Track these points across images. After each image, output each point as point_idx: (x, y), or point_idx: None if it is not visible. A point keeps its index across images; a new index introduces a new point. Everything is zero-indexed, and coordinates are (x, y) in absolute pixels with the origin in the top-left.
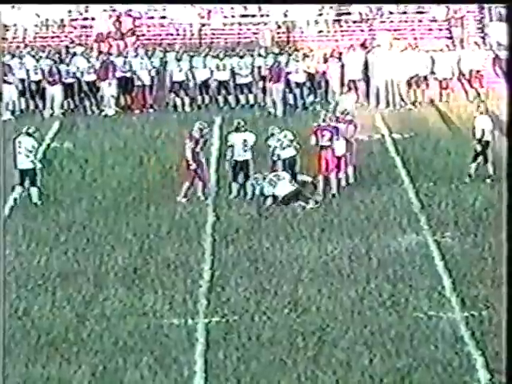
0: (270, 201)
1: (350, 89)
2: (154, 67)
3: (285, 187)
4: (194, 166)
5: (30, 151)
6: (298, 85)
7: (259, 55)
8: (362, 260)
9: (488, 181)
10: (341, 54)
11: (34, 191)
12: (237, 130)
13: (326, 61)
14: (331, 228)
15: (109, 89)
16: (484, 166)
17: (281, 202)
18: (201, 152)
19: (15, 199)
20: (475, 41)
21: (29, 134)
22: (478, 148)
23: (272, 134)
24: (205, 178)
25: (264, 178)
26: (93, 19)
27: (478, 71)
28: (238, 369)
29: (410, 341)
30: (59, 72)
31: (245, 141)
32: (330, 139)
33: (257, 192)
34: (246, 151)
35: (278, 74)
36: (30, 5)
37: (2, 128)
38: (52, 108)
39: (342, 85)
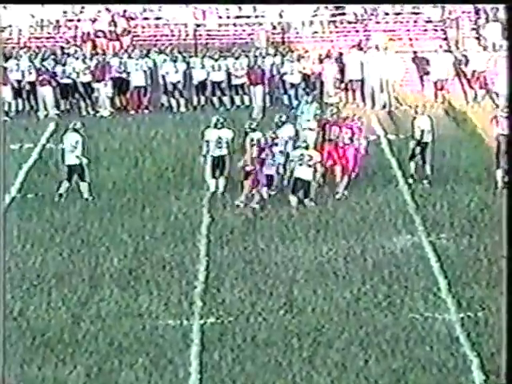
0: (288, 175)
1: (347, 90)
2: (149, 68)
3: (306, 172)
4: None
5: (75, 147)
6: (292, 86)
7: (254, 56)
8: (358, 261)
9: (425, 182)
10: (340, 54)
11: (83, 186)
12: (215, 126)
13: (321, 62)
14: (326, 229)
15: (104, 89)
16: (423, 167)
17: (294, 184)
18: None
19: (60, 194)
20: (479, 42)
21: (75, 130)
22: (411, 145)
23: (253, 130)
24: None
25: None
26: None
27: (480, 72)
28: (233, 370)
29: (405, 342)
30: (49, 72)
31: (219, 137)
32: (338, 136)
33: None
34: (220, 147)
35: (260, 77)
36: (26, 5)
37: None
38: (46, 109)
39: (337, 86)
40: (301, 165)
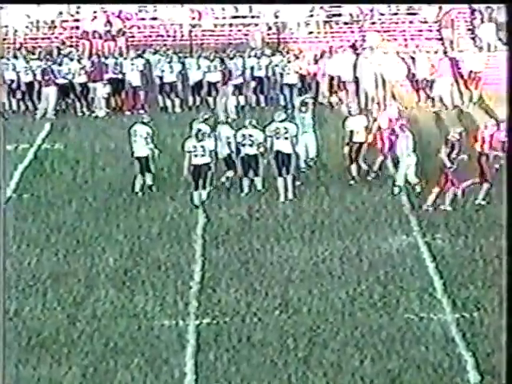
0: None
1: (340, 90)
2: (144, 68)
3: (285, 145)
4: (447, 170)
5: (146, 138)
6: (288, 86)
7: (249, 56)
8: (353, 261)
9: (352, 182)
10: (332, 55)
11: (148, 176)
12: (204, 120)
13: (316, 62)
14: (322, 229)
15: (100, 90)
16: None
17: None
18: (458, 157)
19: (140, 189)
20: (475, 43)
21: (143, 123)
22: (346, 150)
23: (242, 127)
24: (460, 185)
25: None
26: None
27: (475, 73)
28: (229, 370)
29: (400, 342)
30: (53, 72)
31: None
32: None
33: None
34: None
35: (228, 77)
36: (21, 6)
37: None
38: (46, 109)
39: (331, 86)
40: (278, 138)
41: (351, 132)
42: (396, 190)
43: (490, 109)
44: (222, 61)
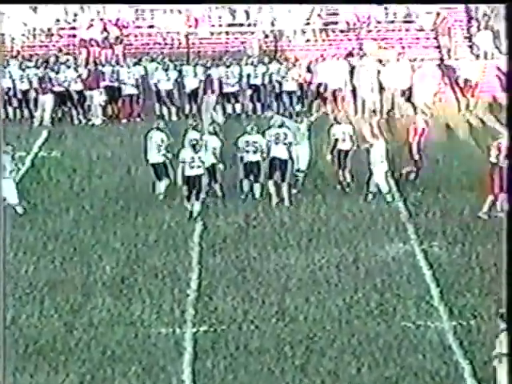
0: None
1: (335, 98)
2: (141, 76)
3: (283, 151)
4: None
5: (160, 145)
6: (288, 93)
7: (246, 64)
8: (350, 269)
9: (347, 190)
10: (326, 62)
11: (160, 184)
12: (194, 127)
13: (310, 70)
14: (319, 237)
15: (96, 98)
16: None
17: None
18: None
19: (164, 193)
20: (472, 51)
21: (159, 129)
22: (328, 157)
23: (244, 133)
24: (497, 194)
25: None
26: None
27: (472, 81)
28: (226, 378)
29: (397, 350)
30: (50, 80)
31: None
32: None
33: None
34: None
35: (211, 87)
36: (19, 14)
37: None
38: (43, 117)
39: (327, 94)
40: (277, 143)
41: (336, 140)
42: (369, 196)
43: (499, 115)
44: (206, 69)
